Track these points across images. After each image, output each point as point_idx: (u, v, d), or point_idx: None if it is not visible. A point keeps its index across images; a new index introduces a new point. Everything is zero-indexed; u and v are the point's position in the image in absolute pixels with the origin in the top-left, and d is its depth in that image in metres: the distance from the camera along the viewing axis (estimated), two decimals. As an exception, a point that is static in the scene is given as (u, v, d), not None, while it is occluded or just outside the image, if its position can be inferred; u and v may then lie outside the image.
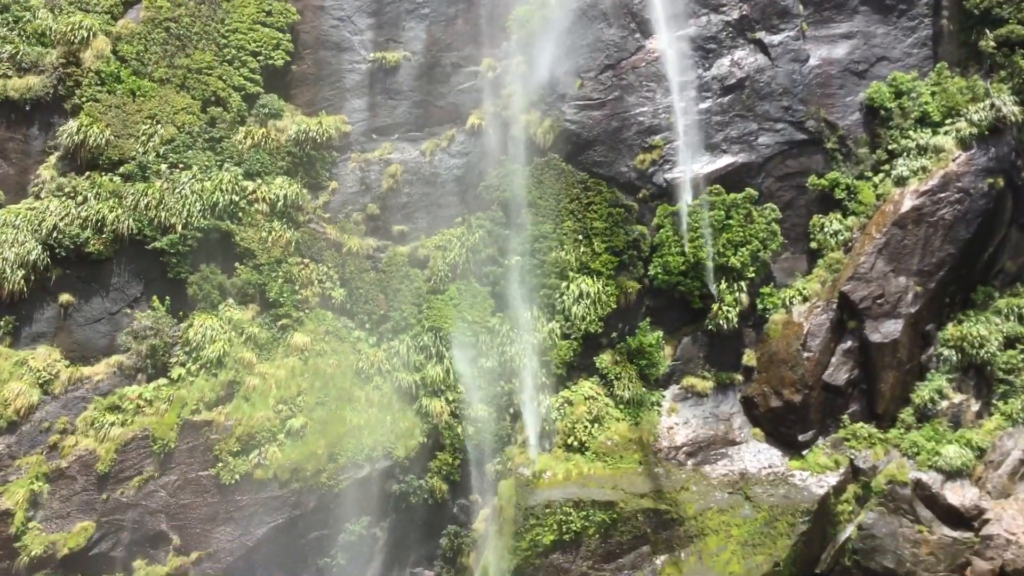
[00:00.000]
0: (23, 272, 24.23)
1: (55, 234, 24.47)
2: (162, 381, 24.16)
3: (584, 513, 23.25)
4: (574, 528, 23.12)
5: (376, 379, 24.94)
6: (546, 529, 23.14)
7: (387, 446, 23.96)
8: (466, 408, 24.73)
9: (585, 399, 25.07)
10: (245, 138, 25.95)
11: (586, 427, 24.71)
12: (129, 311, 24.61)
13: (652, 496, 23.78)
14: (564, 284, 25.45)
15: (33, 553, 21.97)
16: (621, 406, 25.28)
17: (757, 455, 24.79)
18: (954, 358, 24.37)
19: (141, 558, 22.45)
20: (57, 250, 24.43)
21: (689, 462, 24.86)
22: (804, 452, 24.37)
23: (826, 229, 25.72)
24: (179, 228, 24.85)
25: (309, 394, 24.33)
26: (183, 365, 24.26)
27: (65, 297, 24.49)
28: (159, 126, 25.71)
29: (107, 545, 22.43)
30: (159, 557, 22.51)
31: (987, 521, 22.44)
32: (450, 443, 24.44)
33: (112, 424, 23.41)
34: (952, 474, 23.12)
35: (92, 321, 24.58)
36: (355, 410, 24.41)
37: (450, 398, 24.82)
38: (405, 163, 26.49)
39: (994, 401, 24.12)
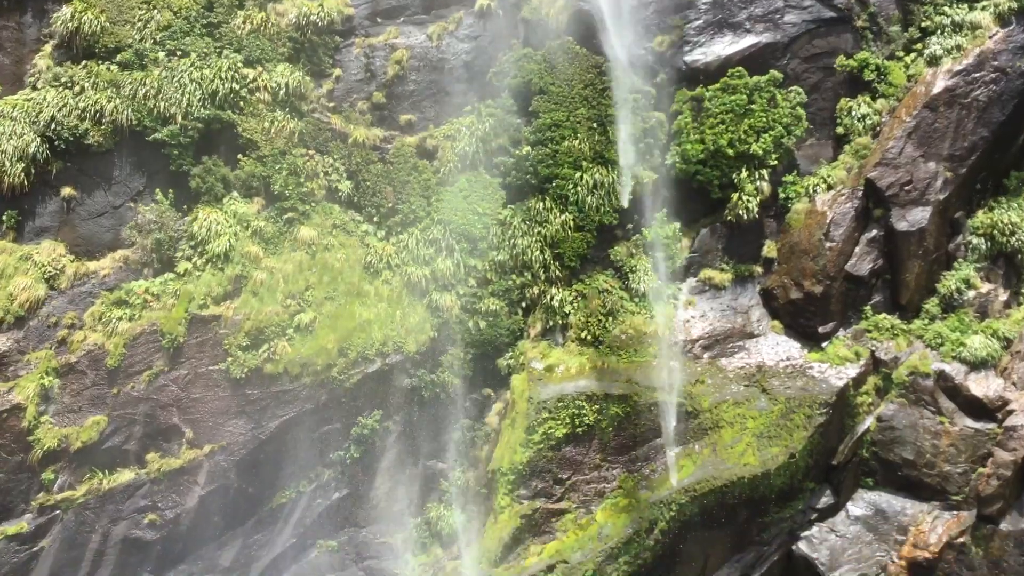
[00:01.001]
0: (23, 165, 23.63)
1: (53, 126, 23.76)
2: (169, 275, 23.77)
3: (597, 407, 22.98)
4: (587, 421, 22.89)
5: (385, 273, 24.42)
6: (559, 423, 22.93)
7: (397, 341, 23.62)
8: (477, 302, 24.26)
9: (599, 292, 24.49)
10: (244, 23, 24.82)
11: (600, 321, 24.20)
12: (132, 205, 24.07)
13: (667, 389, 23.41)
14: (578, 174, 24.56)
15: (47, 446, 22.05)
16: (636, 299, 24.69)
17: (775, 348, 24.25)
18: (983, 246, 23.46)
19: (154, 451, 22.50)
20: (56, 142, 23.77)
21: (705, 355, 24.39)
22: (824, 344, 23.80)
23: (854, 113, 24.52)
24: (179, 119, 24.04)
25: (317, 288, 23.89)
26: (189, 259, 23.81)
27: (67, 191, 23.95)
28: (155, 11, 24.63)
29: (120, 438, 22.47)
30: (172, 450, 22.55)
31: (1011, 412, 21.93)
32: (461, 337, 24.05)
33: (120, 319, 23.16)
34: (976, 365, 22.51)
35: (95, 215, 24.08)
36: (364, 305, 23.99)
37: (461, 292, 24.31)
38: (411, 48, 25.33)
39: (1023, 290, 23.30)
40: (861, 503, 22.77)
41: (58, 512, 21.98)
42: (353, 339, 23.40)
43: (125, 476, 22.31)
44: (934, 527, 22.02)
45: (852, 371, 23.13)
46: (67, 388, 22.72)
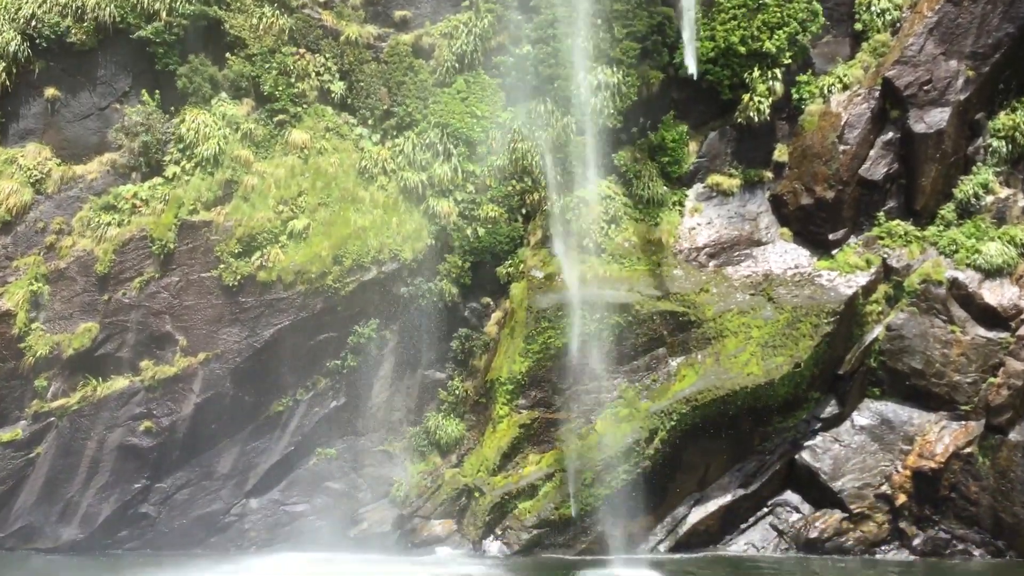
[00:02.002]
0: (4, 64, 22.73)
1: (34, 23, 22.77)
2: (157, 180, 23.06)
3: (598, 316, 22.42)
4: (587, 331, 22.35)
5: (380, 179, 23.62)
6: (558, 332, 22.40)
7: (394, 248, 22.98)
8: (476, 208, 23.51)
9: (601, 199, 23.65)
10: (228, -88, 23.55)
11: (602, 228, 23.45)
12: (118, 106, 23.20)
13: (670, 298, 22.81)
14: (580, 74, 23.43)
15: (39, 353, 21.75)
16: (640, 206, 23.88)
17: (783, 255, 23.51)
18: (1004, 149, 22.41)
19: (148, 358, 22.17)
20: (38, 40, 22.82)
21: (711, 263, 23.69)
22: (834, 252, 23.02)
23: (873, 8, 23.19)
24: (163, 15, 22.93)
25: (310, 194, 23.16)
26: (177, 163, 23.06)
27: (51, 91, 23.09)
28: (134, -100, 23.38)
29: (113, 346, 22.14)
30: (166, 358, 22.22)
31: (1025, 321, 21.30)
32: (459, 245, 23.38)
33: (109, 224, 22.55)
34: (991, 273, 21.72)
35: (81, 117, 23.26)
36: (359, 211, 23.27)
37: (459, 198, 23.53)
38: (405, -63, 24.01)
39: (1044, 195, 22.39)
40: (867, 413, 22.34)
41: (52, 419, 21.82)
42: (348, 246, 22.77)
43: (119, 383, 22.06)
44: (941, 437, 21.61)
45: (862, 279, 22.39)
46: (57, 295, 22.31)
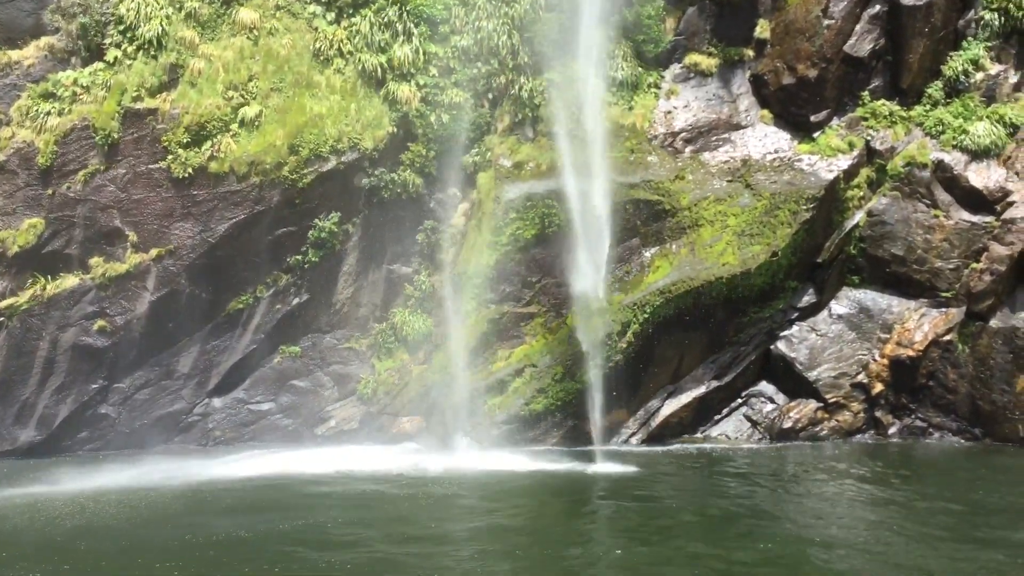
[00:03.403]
0: (-79, -59, 21.02)
1: None
2: (98, 65, 21.58)
3: (569, 206, 21.43)
4: (558, 222, 21.42)
5: (337, 62, 22.21)
6: (527, 223, 21.49)
7: (353, 137, 21.77)
8: (440, 93, 22.21)
9: (572, 82, 22.36)
10: None
11: (573, 113, 22.23)
12: (52, -14, 21.58)
13: (643, 186, 21.84)
14: (549, -56, 21.84)
15: (-19, 251, 20.81)
16: (613, 89, 22.64)
17: (763, 139, 22.48)
18: (996, 22, 21.18)
19: (98, 255, 21.18)
20: (-43, -87, 21.02)
21: (687, 149, 22.64)
22: (815, 135, 22.01)
23: None
24: None
25: (262, 79, 21.77)
26: (118, 46, 21.55)
27: (-24, -29, 21.42)
28: None
29: (60, 243, 21.11)
30: (117, 254, 21.24)
31: (1011, 204, 20.42)
32: (423, 132, 22.19)
33: (49, 113, 21.19)
34: (978, 154, 20.79)
35: (12, -2, 21.67)
36: (315, 97, 21.95)
37: (421, 83, 22.20)
38: None
39: (1038, 71, 21.26)
40: (845, 301, 21.73)
41: (2, 319, 20.95)
42: (304, 135, 21.55)
43: (69, 282, 21.12)
44: (920, 325, 21.08)
45: (844, 163, 21.44)
46: (-2, 190, 21.18)
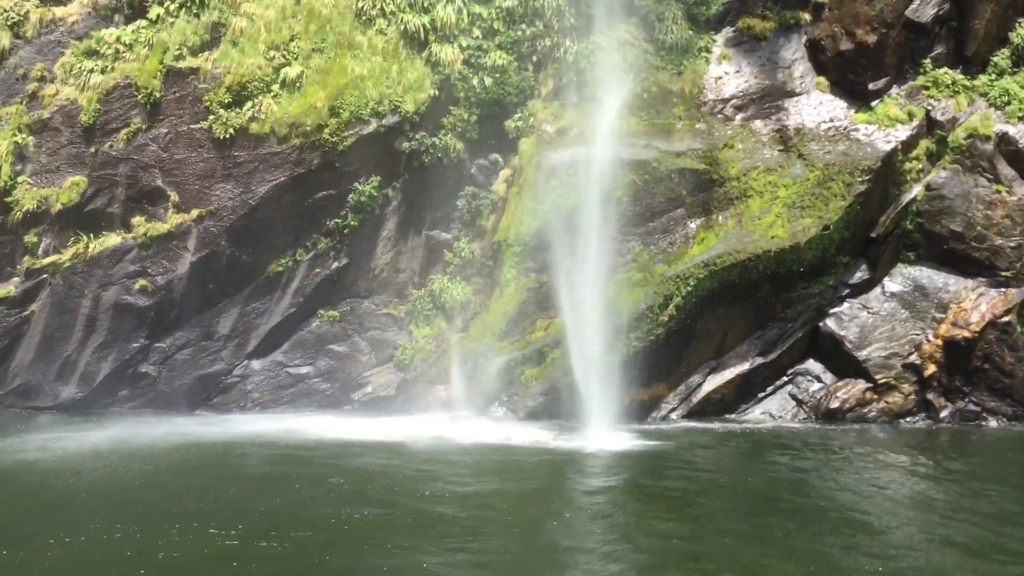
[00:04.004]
0: None
1: None
2: (141, 23, 21.50)
3: (612, 174, 20.89)
4: (601, 189, 20.83)
5: (379, 22, 21.79)
6: (570, 191, 20.96)
7: (394, 99, 21.40)
8: (483, 56, 21.71)
9: (620, 45, 21.70)
10: None
11: (620, 78, 21.58)
12: (95, -57, 21.46)
13: (691, 155, 21.19)
14: (599, -100, 21.07)
15: (26, 208, 20.89)
16: (663, 52, 21.95)
17: (818, 107, 21.63)
18: (1075, -14, 19.98)
19: (140, 214, 21.23)
20: None
21: (738, 116, 21.88)
22: (873, 103, 21.12)
23: None
24: None
25: (304, 39, 21.48)
26: (161, 4, 21.40)
27: (22, -73, 21.37)
28: None
29: (102, 201, 21.18)
30: (158, 214, 21.26)
31: (1081, 180, 19.43)
32: (465, 96, 21.72)
33: (92, 71, 21.18)
34: (1047, 126, 19.78)
35: (56, -45, 21.61)
36: (356, 58, 21.60)
37: (464, 44, 21.70)
38: None
39: (1116, 38, 20.03)
40: (899, 279, 20.93)
41: (45, 276, 21.16)
42: (345, 97, 21.24)
43: (111, 240, 21.20)
44: (977, 304, 20.23)
45: (902, 133, 20.54)
46: (42, 146, 21.25)
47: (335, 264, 21.80)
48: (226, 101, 21.01)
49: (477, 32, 21.76)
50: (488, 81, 21.66)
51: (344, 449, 17.36)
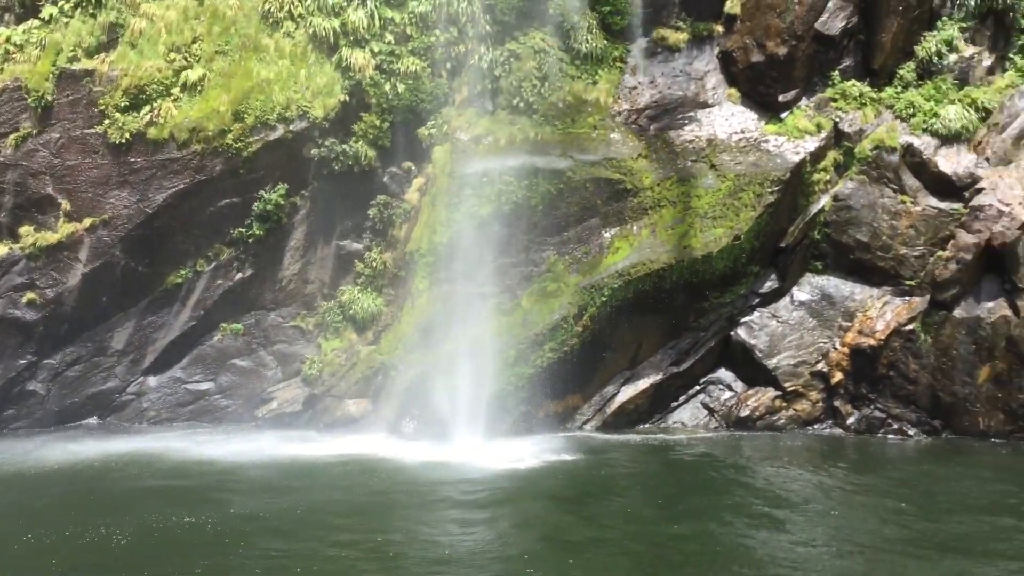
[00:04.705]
0: None
1: None
2: (33, 22, 20.42)
3: (527, 183, 20.63)
4: (515, 199, 20.60)
5: (287, 25, 21.12)
6: (484, 200, 20.64)
7: (302, 104, 20.74)
8: (395, 62, 21.22)
9: (535, 53, 21.48)
10: None
11: (535, 86, 21.37)
12: (-20, -65, 20.27)
13: (605, 164, 21.05)
14: (512, -92, 20.83)
15: (-98, 218, 19.61)
16: (577, 62, 21.78)
17: (729, 119, 21.74)
18: (972, 2, 20.51)
19: (28, 223, 20.07)
20: None
21: (652, 127, 21.86)
22: (783, 115, 21.30)
23: None
24: None
25: (207, 41, 20.66)
26: (55, 3, 20.38)
27: (-101, -83, 20.03)
28: None
29: (-13, 210, 20.01)
30: (49, 223, 20.13)
31: (980, 191, 19.84)
32: (376, 102, 21.19)
33: (-24, 73, 20.02)
34: (949, 138, 20.16)
35: (-63, -52, 20.32)
36: (263, 61, 20.87)
37: (376, 49, 21.17)
38: None
39: (1011, 54, 20.59)
40: (807, 288, 21.15)
41: (-76, 290, 19.85)
42: (250, 101, 20.50)
43: (-3, 251, 20.02)
44: (883, 313, 20.55)
45: (811, 145, 20.78)
46: (-79, 152, 19.94)
47: (239, 275, 20.98)
48: (123, 105, 20.05)
49: (389, 37, 21.26)
50: (401, 87, 21.17)
51: (203, 469, 16.63)
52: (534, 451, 18.24)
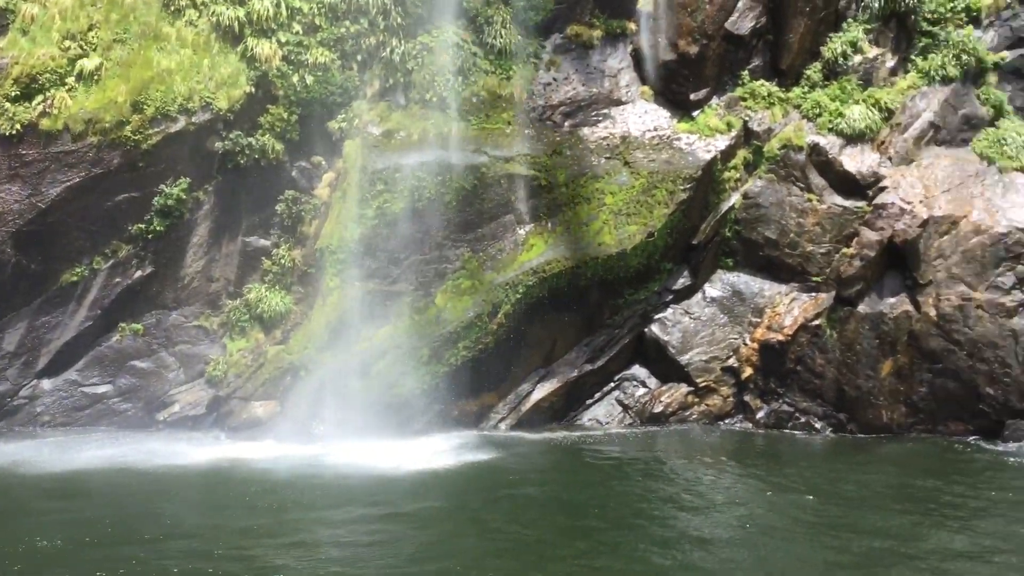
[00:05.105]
0: None
1: None
2: (-91, 5, 19.14)
3: (441, 179, 20.31)
4: (428, 195, 20.27)
5: (189, 13, 20.30)
6: (396, 196, 20.25)
7: (206, 96, 19.97)
8: (303, 53, 20.61)
9: (448, 47, 21.15)
10: None
11: (448, 80, 21.06)
12: None
13: (520, 160, 20.88)
14: None
15: None
16: (491, 57, 21.55)
17: (643, 116, 21.82)
18: (876, 5, 21.04)
19: (-93, 220, 18.84)
20: None
21: (566, 123, 21.78)
22: (695, 113, 21.49)
23: None
24: None
25: (104, 28, 19.70)
26: (-66, -15, 19.15)
27: None
28: None
29: None
30: (-70, 219, 18.92)
31: (883, 189, 20.39)
32: (284, 94, 20.56)
33: None
34: (853, 138, 20.65)
35: None
36: (163, 51, 20.02)
37: (283, 40, 20.53)
38: None
39: (912, 56, 21.22)
40: (719, 284, 21.41)
41: None
42: (150, 92, 19.63)
43: None
44: (790, 309, 20.94)
45: (721, 143, 21.02)
46: None
47: (138, 273, 20.11)
48: (13, 94, 18.97)
49: (297, 27, 20.64)
50: (309, 79, 20.58)
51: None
52: (446, 451, 18.00)
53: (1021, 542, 12.95)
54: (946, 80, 20.85)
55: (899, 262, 20.33)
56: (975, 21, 21.27)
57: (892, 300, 20.29)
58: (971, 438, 19.52)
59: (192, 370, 20.23)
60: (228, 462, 17.24)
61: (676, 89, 21.58)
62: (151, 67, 19.70)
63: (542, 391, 20.81)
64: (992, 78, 21.15)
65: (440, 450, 18.05)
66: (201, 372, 20.20)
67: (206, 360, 20.27)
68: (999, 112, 20.97)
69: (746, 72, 21.49)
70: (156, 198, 19.80)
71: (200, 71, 19.96)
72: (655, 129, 21.71)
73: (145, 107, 19.46)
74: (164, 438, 19.01)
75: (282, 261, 20.78)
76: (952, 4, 21.18)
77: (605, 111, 21.95)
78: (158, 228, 19.95)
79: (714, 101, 21.58)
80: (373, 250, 20.13)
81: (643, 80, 22.11)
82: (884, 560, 12.10)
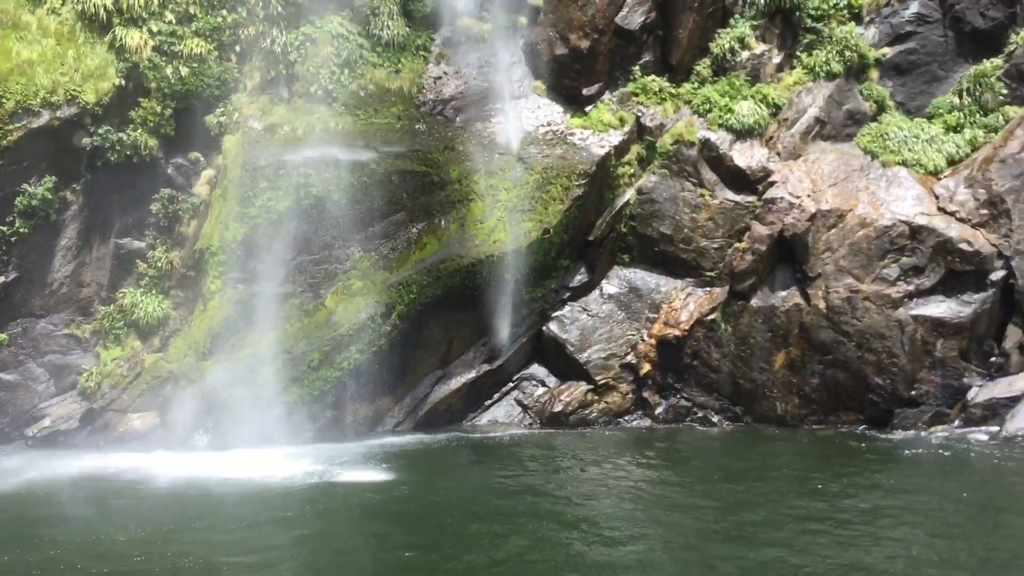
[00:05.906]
0: None
1: None
2: None
3: (329, 175, 19.50)
4: (315, 193, 19.44)
5: (51, 1, 18.91)
6: (280, 193, 19.34)
7: (71, 89, 18.62)
8: (177, 43, 19.47)
9: (333, 38, 20.36)
10: None
11: (334, 73, 20.27)
12: None
13: (411, 156, 20.25)
14: None
15: None
16: (379, 49, 20.85)
17: (536, 111, 21.49)
18: (761, 1, 21.22)
19: None
20: None
21: (458, 119, 21.25)
22: (588, 108, 21.29)
23: None
24: None
25: (-47, 14, 18.18)
26: None
27: None
28: None
29: None
30: None
31: (772, 184, 20.59)
32: (157, 87, 19.37)
33: None
34: (743, 133, 20.79)
35: None
36: (24, 40, 18.59)
37: (155, 29, 19.34)
38: None
39: (798, 52, 21.51)
40: (616, 281, 21.28)
41: None
42: (10, 84, 18.20)
43: None
44: (686, 304, 20.98)
45: (615, 139, 20.86)
46: None
47: (1, 278, 18.62)
48: None
49: (170, 16, 19.47)
50: (184, 71, 19.45)
51: None
52: (336, 460, 17.21)
53: (877, 515, 13.54)
54: (830, 76, 21.23)
55: (789, 256, 20.60)
56: (857, 18, 21.72)
57: (783, 293, 20.55)
58: (861, 428, 19.93)
59: (63, 382, 18.86)
60: (92, 476, 16.01)
61: (569, 84, 21.33)
62: (10, 58, 18.26)
63: (440, 393, 20.28)
64: (874, 74, 21.65)
65: (331, 458, 17.24)
66: (73, 383, 18.86)
67: (78, 371, 18.92)
68: (881, 107, 21.48)
69: (637, 67, 21.41)
70: (18, 198, 18.38)
71: (65, 62, 18.61)
72: (549, 124, 21.40)
73: (4, 100, 18.02)
74: (32, 455, 17.63)
75: (159, 264, 19.60)
76: (835, 1, 21.58)
77: (498, 106, 21.51)
78: (21, 230, 18.52)
79: (607, 96, 21.43)
80: (257, 251, 19.16)
81: (536, 75, 21.80)
82: (748, 529, 12.79)
